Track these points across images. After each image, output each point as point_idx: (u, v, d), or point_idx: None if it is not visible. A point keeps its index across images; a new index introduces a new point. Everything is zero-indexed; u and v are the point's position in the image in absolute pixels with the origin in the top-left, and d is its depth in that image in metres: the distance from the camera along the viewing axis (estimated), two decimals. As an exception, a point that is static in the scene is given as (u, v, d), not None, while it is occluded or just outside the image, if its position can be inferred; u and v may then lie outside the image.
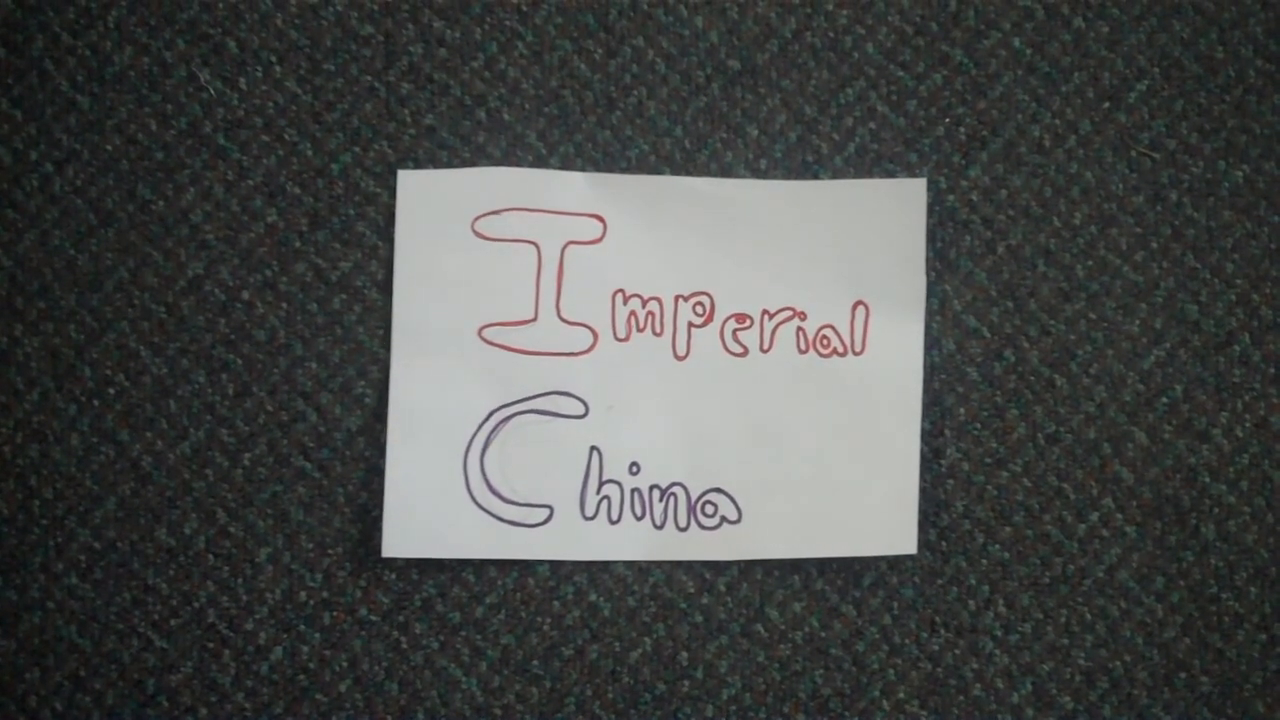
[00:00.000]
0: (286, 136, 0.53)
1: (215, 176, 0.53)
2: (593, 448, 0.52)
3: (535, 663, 0.53)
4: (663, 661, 0.53)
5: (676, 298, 0.53)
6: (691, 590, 0.53)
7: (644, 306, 0.53)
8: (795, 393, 0.53)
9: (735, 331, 0.53)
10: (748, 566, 0.53)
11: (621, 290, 0.53)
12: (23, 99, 0.53)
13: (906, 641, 0.53)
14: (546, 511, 0.52)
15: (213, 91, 0.53)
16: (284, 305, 0.53)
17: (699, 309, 0.53)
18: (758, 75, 0.54)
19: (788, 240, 0.53)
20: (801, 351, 0.53)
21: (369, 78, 0.53)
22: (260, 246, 0.53)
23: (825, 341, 0.53)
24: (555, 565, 0.53)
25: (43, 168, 0.53)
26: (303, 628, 0.53)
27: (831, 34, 0.54)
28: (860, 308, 0.53)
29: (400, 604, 0.53)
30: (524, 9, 0.54)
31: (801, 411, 0.53)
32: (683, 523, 0.52)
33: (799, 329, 0.53)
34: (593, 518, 0.52)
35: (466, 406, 0.52)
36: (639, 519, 0.52)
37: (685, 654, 0.53)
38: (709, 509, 0.52)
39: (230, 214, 0.53)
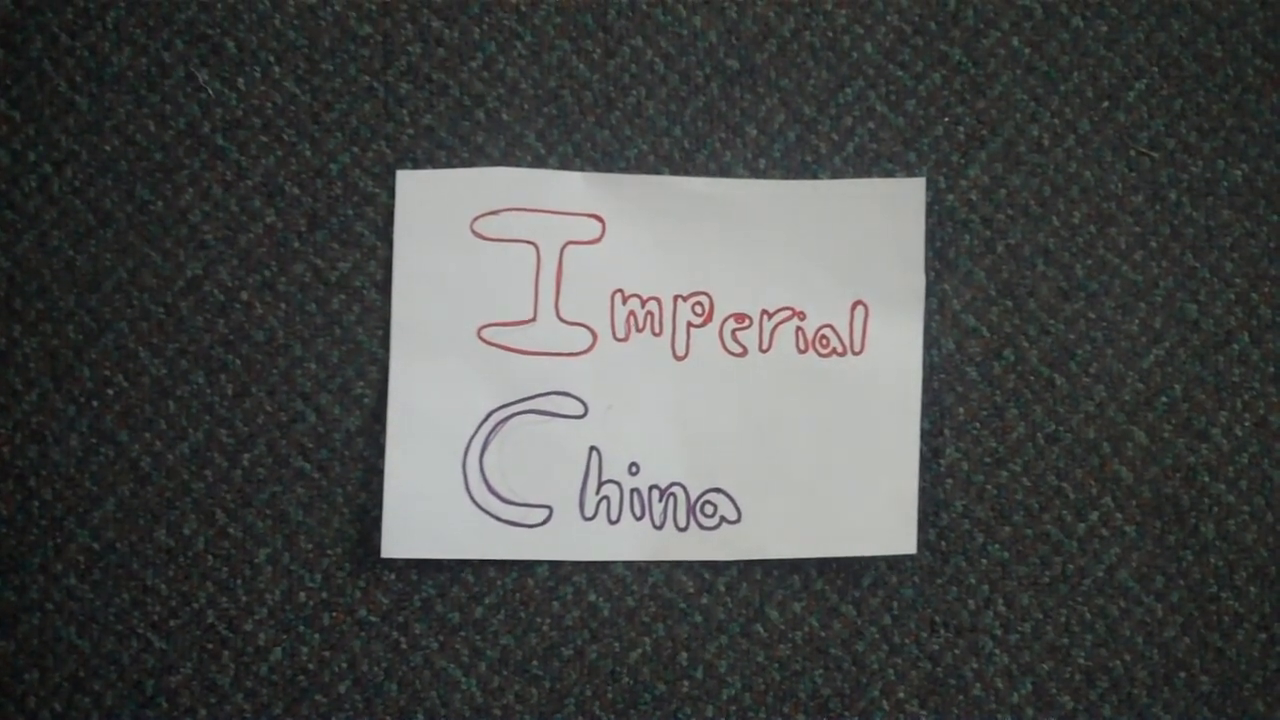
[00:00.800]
0: (285, 137, 0.53)
1: (214, 177, 0.53)
2: (592, 448, 0.52)
3: (535, 663, 0.53)
4: (662, 662, 0.53)
5: (675, 298, 0.53)
6: (691, 590, 0.53)
7: (643, 306, 0.53)
8: (794, 393, 0.53)
9: (734, 331, 0.53)
10: (747, 566, 0.53)
11: (620, 290, 0.53)
12: (21, 100, 0.53)
13: (906, 641, 0.53)
14: (546, 512, 0.52)
15: (211, 92, 0.53)
16: (283, 306, 0.53)
17: (698, 309, 0.53)
18: (756, 75, 0.54)
19: (786, 240, 0.53)
20: (801, 351, 0.53)
21: (367, 78, 0.53)
22: (259, 247, 0.53)
23: (824, 341, 0.53)
24: (555, 565, 0.53)
25: (41, 168, 0.53)
26: (302, 628, 0.52)
27: (830, 33, 0.54)
28: (859, 307, 0.53)
29: (400, 604, 0.53)
30: (522, 9, 0.54)
31: (801, 411, 0.53)
32: (682, 523, 0.52)
33: (798, 329, 0.53)
34: (592, 518, 0.52)
35: (466, 407, 0.52)
36: (638, 519, 0.52)
37: (685, 654, 0.53)
38: (708, 509, 0.52)
39: (229, 214, 0.53)
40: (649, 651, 0.53)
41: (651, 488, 0.52)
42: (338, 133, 0.53)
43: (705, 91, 0.54)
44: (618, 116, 0.54)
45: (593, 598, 0.53)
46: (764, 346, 0.53)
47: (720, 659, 0.53)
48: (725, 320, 0.53)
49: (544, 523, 0.52)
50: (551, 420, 0.52)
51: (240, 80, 0.53)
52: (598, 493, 0.52)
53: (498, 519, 0.52)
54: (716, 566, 0.53)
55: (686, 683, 0.53)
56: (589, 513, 0.52)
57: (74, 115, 0.53)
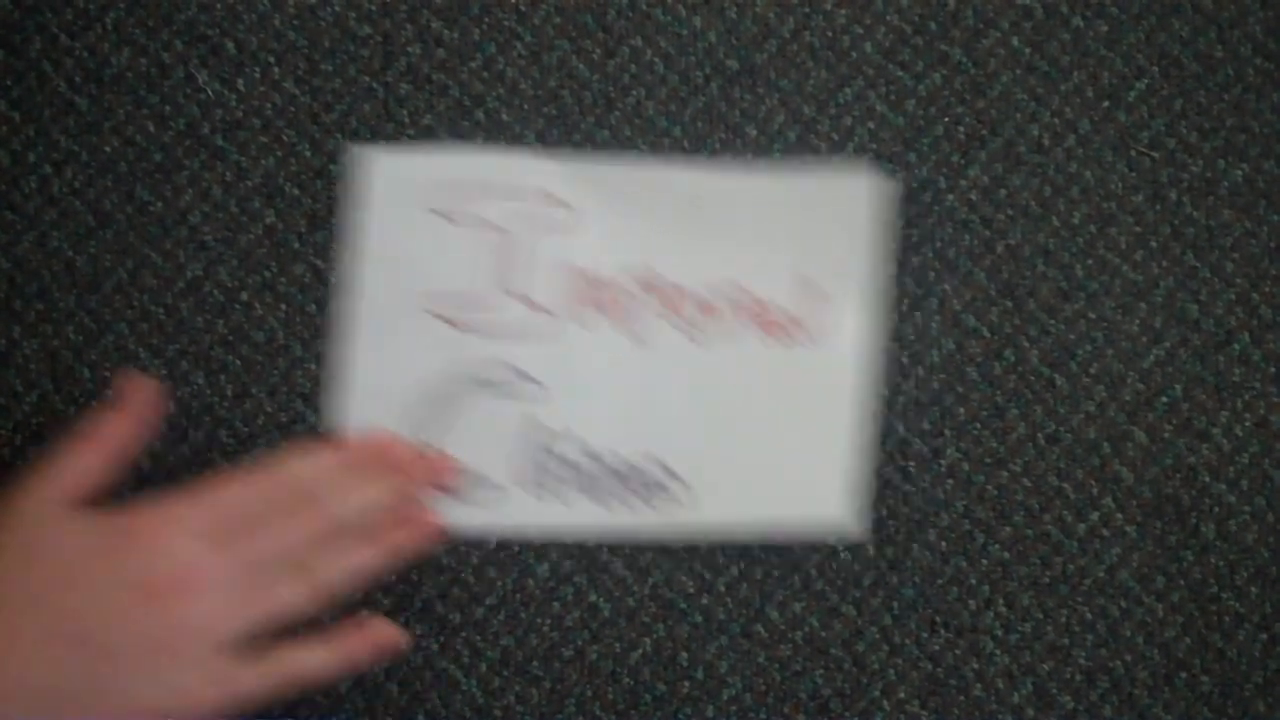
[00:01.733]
0: (285, 137, 0.53)
1: (213, 177, 0.53)
2: (548, 429, 0.53)
3: (535, 664, 0.53)
4: (663, 662, 0.53)
5: (638, 284, 0.53)
6: (691, 590, 0.53)
7: (606, 292, 0.53)
8: (752, 379, 0.53)
9: (695, 319, 0.53)
10: (748, 566, 0.53)
11: (583, 275, 0.53)
12: (21, 100, 0.53)
13: (907, 641, 0.53)
14: (499, 491, 0.52)
15: (211, 92, 0.53)
16: (283, 306, 0.53)
17: (660, 296, 0.53)
18: (756, 75, 0.54)
19: (747, 229, 0.53)
20: (760, 339, 0.53)
21: (367, 78, 0.53)
22: (259, 248, 0.53)
23: (783, 329, 0.53)
24: (555, 566, 0.53)
25: (41, 169, 0.53)
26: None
27: (830, 33, 0.54)
28: (816, 296, 0.53)
29: (400, 605, 0.53)
30: (522, 9, 0.54)
31: (757, 397, 0.53)
32: (636, 504, 0.53)
33: (758, 316, 0.53)
34: (545, 498, 0.53)
35: (424, 386, 0.52)
36: (592, 500, 0.53)
37: (685, 654, 0.53)
38: (662, 491, 0.53)
39: (229, 215, 0.53)
40: (649, 652, 0.53)
41: (609, 470, 0.53)
42: (337, 133, 0.53)
43: (705, 92, 0.54)
44: (617, 117, 0.54)
45: (593, 598, 0.53)
46: (723, 334, 0.53)
47: (721, 659, 0.53)
48: (687, 307, 0.53)
49: (498, 501, 0.52)
50: (509, 402, 0.53)
51: (240, 81, 0.53)
52: (552, 472, 0.53)
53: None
54: (717, 566, 0.53)
55: (687, 683, 0.53)
56: (541, 492, 0.53)
57: (74, 116, 0.53)
